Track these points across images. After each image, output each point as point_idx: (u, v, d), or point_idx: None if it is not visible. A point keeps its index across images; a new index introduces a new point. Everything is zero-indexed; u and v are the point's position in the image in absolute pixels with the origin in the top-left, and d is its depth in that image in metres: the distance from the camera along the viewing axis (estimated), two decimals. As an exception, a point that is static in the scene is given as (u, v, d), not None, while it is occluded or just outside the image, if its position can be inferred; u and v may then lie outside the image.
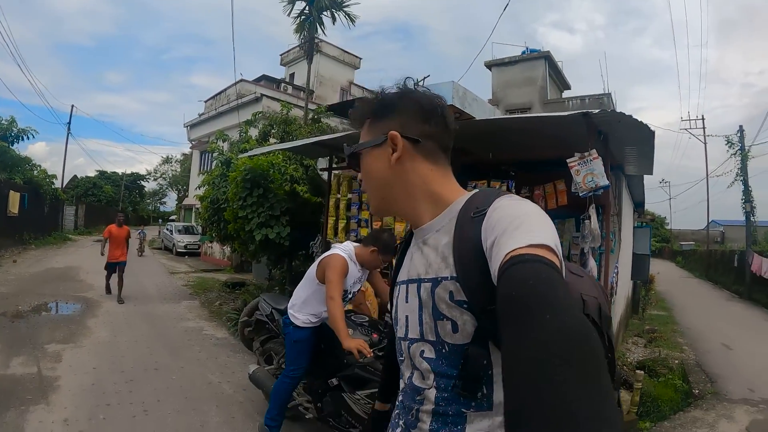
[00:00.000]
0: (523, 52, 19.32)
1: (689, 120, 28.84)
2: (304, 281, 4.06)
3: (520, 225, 0.91)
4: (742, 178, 22.55)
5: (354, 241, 4.31)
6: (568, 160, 4.65)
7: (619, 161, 6.43)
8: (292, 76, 30.25)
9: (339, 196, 7.39)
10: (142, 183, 63.53)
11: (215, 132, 13.85)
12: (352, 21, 17.54)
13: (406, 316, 1.23)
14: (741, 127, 23.22)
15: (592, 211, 4.83)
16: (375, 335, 3.70)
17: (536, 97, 19.98)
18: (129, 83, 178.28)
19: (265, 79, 28.68)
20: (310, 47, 16.84)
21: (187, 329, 8.64)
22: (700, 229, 38.07)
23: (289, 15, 17.55)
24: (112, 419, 4.58)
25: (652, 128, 4.79)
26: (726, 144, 23.40)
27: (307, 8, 17.28)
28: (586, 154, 4.58)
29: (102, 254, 11.01)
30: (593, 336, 0.67)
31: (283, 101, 15.30)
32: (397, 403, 1.32)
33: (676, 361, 8.21)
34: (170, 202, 68.07)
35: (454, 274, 1.07)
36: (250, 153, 9.10)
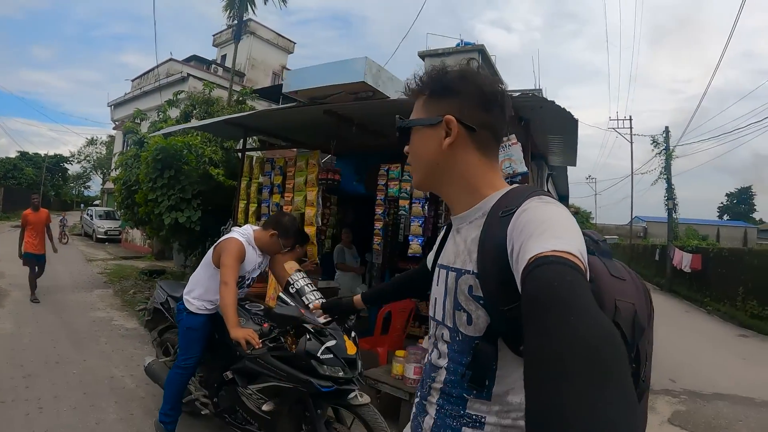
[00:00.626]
0: (458, 45, 19.16)
1: (617, 120, 29.70)
2: (201, 266, 3.82)
3: (546, 229, 0.90)
4: (666, 176, 23.49)
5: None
6: None
7: (543, 151, 6.33)
8: (224, 57, 29.29)
9: (251, 178, 7.00)
10: (66, 166, 60.08)
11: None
12: (284, 1, 16.97)
13: (435, 299, 1.28)
14: (667, 128, 24.26)
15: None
16: (266, 325, 3.38)
17: (469, 90, 19.58)
18: (57, 59, 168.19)
19: (195, 60, 27.82)
20: (238, 26, 16.23)
21: (95, 320, 8.16)
22: (624, 224, 39.55)
23: (218, -10, 16.77)
24: (3, 418, 4.24)
25: (576, 117, 4.67)
26: (651, 144, 24.41)
27: (237, -16, 16.48)
28: (504, 138, 4.41)
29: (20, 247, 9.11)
30: (617, 341, 0.67)
31: (206, 81, 14.68)
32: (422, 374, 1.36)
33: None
34: (95, 186, 64.70)
35: (476, 270, 1.10)
36: (160, 132, 8.61)
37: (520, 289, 0.84)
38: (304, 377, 3.06)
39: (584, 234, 1.12)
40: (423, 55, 19.63)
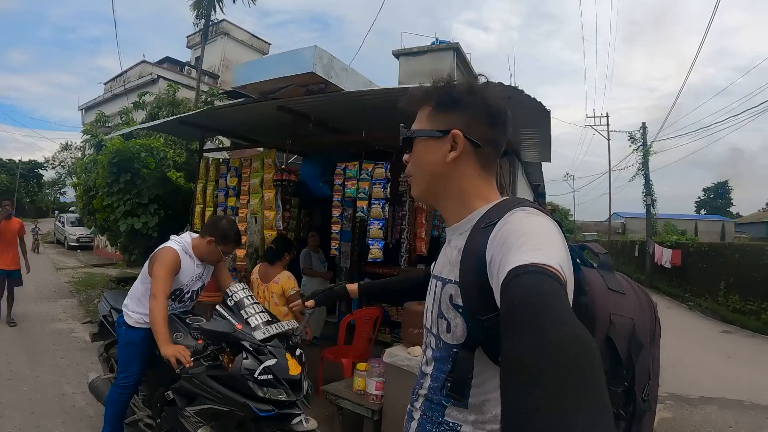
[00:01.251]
0: (433, 43, 18.89)
1: (594, 117, 29.69)
2: (140, 276, 3.53)
3: (526, 242, 0.90)
4: (644, 172, 23.52)
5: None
6: None
7: (515, 146, 6.05)
8: (198, 59, 28.92)
9: (207, 181, 6.62)
10: (41, 172, 58.94)
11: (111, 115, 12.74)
12: (253, 1, 16.54)
13: (427, 307, 1.30)
14: (644, 123, 24.32)
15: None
16: (201, 341, 3.05)
17: (443, 89, 19.42)
18: (32, 63, 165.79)
19: (168, 62, 27.47)
20: (206, 25, 15.76)
21: (55, 332, 7.76)
22: (602, 220, 39.63)
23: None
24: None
25: (548, 108, 4.39)
26: (629, 140, 24.43)
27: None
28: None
29: None
30: (590, 349, 0.67)
31: (170, 82, 14.26)
32: None
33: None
34: (71, 192, 63.73)
35: (457, 279, 1.11)
36: (116, 134, 8.20)
37: (498, 300, 0.85)
38: (241, 400, 2.78)
39: (585, 246, 1.24)
40: (397, 54, 19.35)
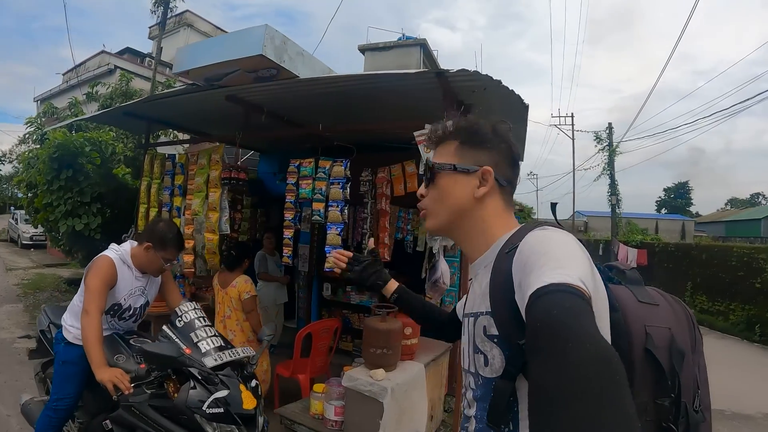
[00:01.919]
0: (399, 39, 18.76)
1: (559, 117, 29.90)
2: (80, 288, 3.09)
3: (546, 262, 0.90)
4: (609, 172, 23.79)
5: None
6: (415, 134, 3.88)
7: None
8: (161, 50, 28.25)
9: (152, 178, 6.07)
10: (-2, 166, 57.20)
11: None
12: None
13: (463, 349, 1.28)
14: (610, 124, 24.75)
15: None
16: (143, 366, 2.75)
17: (409, 85, 19.28)
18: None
19: (129, 52, 26.58)
20: (164, 14, 15.16)
21: (-7, 341, 7.10)
22: (565, 218, 40.18)
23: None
24: None
25: (526, 102, 4.07)
26: (594, 140, 24.65)
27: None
28: (431, 146, 3.72)
29: None
30: (614, 364, 0.67)
31: (125, 71, 13.62)
32: None
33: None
34: (30, 187, 62.03)
35: (489, 309, 1.10)
36: (56, 126, 7.60)
37: (526, 323, 0.84)
38: None
39: (610, 266, 1.26)
40: (363, 49, 19.26)
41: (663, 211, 57.38)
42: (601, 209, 26.77)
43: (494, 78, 3.61)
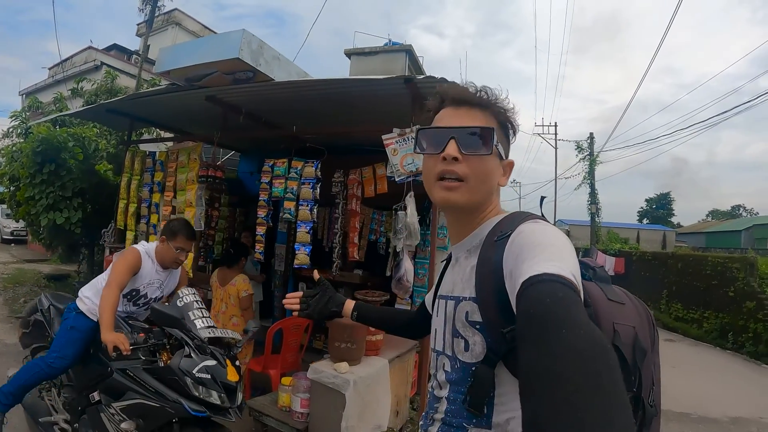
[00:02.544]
0: (386, 44, 18.81)
1: (543, 126, 30.11)
2: (107, 270, 3.57)
3: (540, 253, 0.91)
4: (589, 181, 23.91)
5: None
6: (384, 137, 4.00)
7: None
8: (148, 48, 28.09)
9: (132, 174, 6.17)
10: (-19, 159, 56.39)
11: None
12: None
13: (436, 330, 1.27)
14: (591, 134, 24.77)
15: (410, 201, 4.10)
16: (142, 335, 3.08)
17: (395, 90, 19.23)
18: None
19: (116, 49, 26.56)
20: (151, 11, 15.09)
21: (-30, 333, 7.05)
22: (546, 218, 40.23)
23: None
24: None
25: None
26: (576, 149, 24.81)
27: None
28: (407, 130, 3.94)
29: None
30: (608, 352, 0.68)
31: (111, 68, 13.63)
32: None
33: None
34: (9, 181, 61.15)
35: (473, 295, 1.10)
36: (40, 120, 7.64)
37: (515, 309, 0.86)
38: (173, 396, 2.71)
39: (583, 263, 1.18)
40: (349, 54, 19.26)
41: (645, 221, 57.65)
42: (583, 218, 26.88)
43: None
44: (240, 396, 2.88)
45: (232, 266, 4.99)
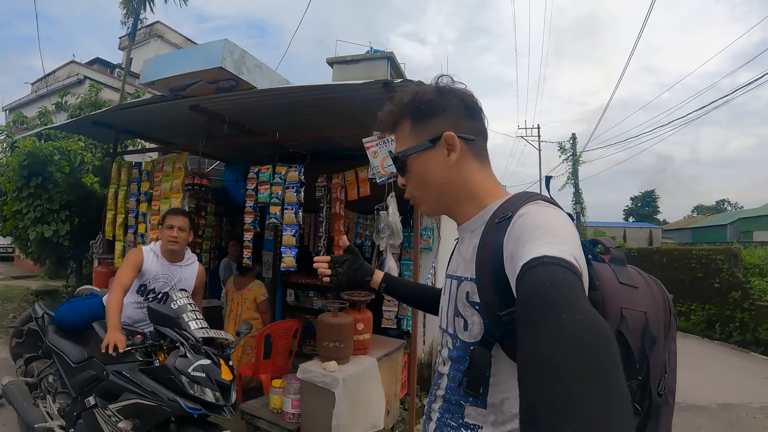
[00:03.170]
0: (367, 52, 18.82)
1: (525, 128, 30.36)
2: None
3: (541, 235, 0.90)
4: (573, 181, 24.07)
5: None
6: (364, 140, 4.08)
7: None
8: (131, 61, 28.01)
9: (119, 185, 6.19)
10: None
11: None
12: (185, 1, 15.98)
13: (441, 308, 1.29)
14: (574, 134, 25.12)
15: (391, 201, 4.22)
16: (139, 336, 3.17)
17: (377, 98, 19.21)
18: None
19: (98, 63, 26.35)
20: (134, 24, 15.05)
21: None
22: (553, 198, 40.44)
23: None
24: None
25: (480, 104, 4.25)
26: (559, 150, 25.02)
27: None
28: (387, 133, 3.91)
29: None
30: (608, 337, 0.67)
31: (95, 82, 13.62)
32: None
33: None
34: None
35: (474, 276, 1.10)
36: (27, 134, 7.66)
37: (515, 293, 0.85)
38: (169, 395, 2.74)
39: (597, 241, 1.24)
40: (331, 62, 19.27)
41: (631, 219, 58.05)
42: (570, 218, 27.14)
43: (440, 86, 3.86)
44: (234, 394, 2.93)
45: (246, 273, 5.40)
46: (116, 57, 29.60)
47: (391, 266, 4.29)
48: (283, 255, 4.70)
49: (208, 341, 2.98)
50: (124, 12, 15.24)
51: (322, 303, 6.81)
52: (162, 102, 4.77)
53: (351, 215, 5.49)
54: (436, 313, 1.63)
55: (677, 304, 13.21)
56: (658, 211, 60.85)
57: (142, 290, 3.51)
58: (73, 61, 22.93)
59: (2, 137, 10.61)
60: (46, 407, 3.66)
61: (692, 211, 68.25)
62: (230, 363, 3.04)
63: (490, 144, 1.31)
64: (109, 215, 6.24)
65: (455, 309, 1.18)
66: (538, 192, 1.16)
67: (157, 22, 26.59)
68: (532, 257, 0.83)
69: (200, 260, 6.40)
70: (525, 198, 1.10)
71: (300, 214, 4.83)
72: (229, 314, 5.42)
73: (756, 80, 14.00)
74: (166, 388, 2.77)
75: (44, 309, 4.06)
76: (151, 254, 3.52)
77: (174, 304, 3.08)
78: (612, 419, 0.57)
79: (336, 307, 3.92)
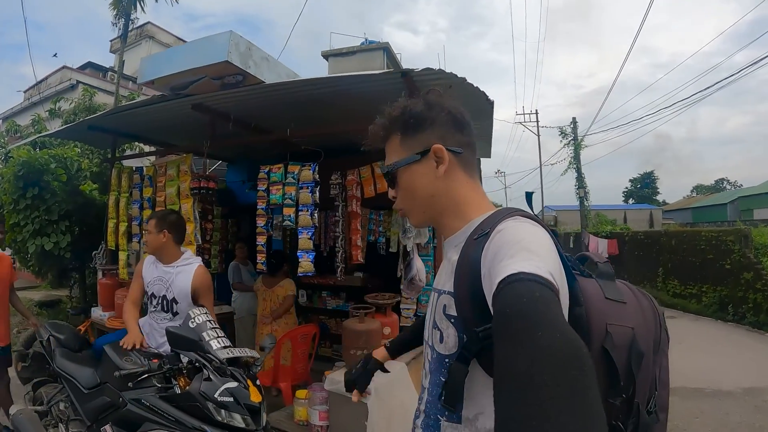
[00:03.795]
0: (362, 44, 18.71)
1: (523, 114, 30.19)
2: None
3: (518, 252, 0.90)
4: (575, 165, 23.93)
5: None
6: None
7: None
8: (123, 64, 27.82)
9: (120, 192, 5.96)
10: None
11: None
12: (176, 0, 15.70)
13: (426, 320, 1.30)
14: (574, 118, 24.90)
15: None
16: (155, 360, 2.94)
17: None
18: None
19: (90, 67, 26.72)
20: (125, 25, 14.81)
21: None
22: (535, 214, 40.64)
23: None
24: None
25: (491, 98, 4.10)
26: (559, 135, 24.84)
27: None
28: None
29: None
30: (583, 355, 0.68)
31: (87, 86, 13.38)
32: None
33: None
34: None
35: (452, 290, 1.11)
36: (20, 143, 7.41)
37: (491, 308, 0.85)
38: (195, 423, 2.57)
39: (584, 256, 1.23)
40: (326, 55, 19.20)
41: (630, 201, 58.16)
42: (570, 203, 27.00)
43: (459, 76, 3.64)
44: (264, 416, 2.75)
45: (276, 273, 5.51)
46: (108, 60, 29.74)
47: (419, 266, 4.12)
48: (300, 259, 4.42)
49: (232, 361, 2.77)
50: (115, 13, 15.00)
51: (336, 303, 6.66)
52: (162, 102, 4.52)
53: (363, 211, 5.27)
54: None
55: (687, 286, 13.13)
56: (658, 192, 61.15)
57: (148, 297, 3.54)
58: (65, 67, 23.07)
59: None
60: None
61: (692, 191, 68.30)
62: (257, 383, 2.85)
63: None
64: (111, 224, 6.01)
65: (433, 321, 1.20)
66: (531, 190, 1.26)
67: (148, 23, 26.53)
68: (509, 273, 0.83)
69: (209, 266, 6.21)
70: (504, 213, 1.10)
71: (316, 215, 4.60)
72: (263, 311, 5.59)
73: (761, 59, 13.78)
74: (191, 415, 2.60)
75: (50, 331, 3.86)
76: (150, 260, 3.56)
77: (192, 323, 2.90)
78: None
79: (362, 313, 3.73)
